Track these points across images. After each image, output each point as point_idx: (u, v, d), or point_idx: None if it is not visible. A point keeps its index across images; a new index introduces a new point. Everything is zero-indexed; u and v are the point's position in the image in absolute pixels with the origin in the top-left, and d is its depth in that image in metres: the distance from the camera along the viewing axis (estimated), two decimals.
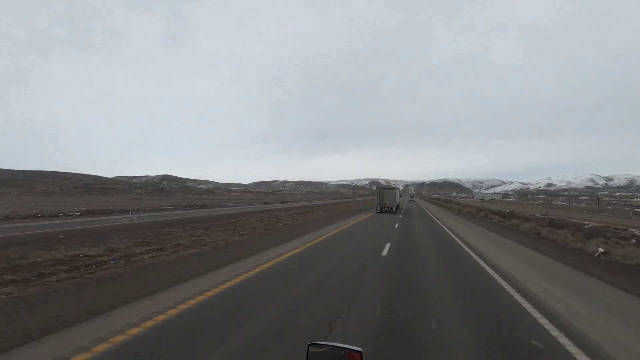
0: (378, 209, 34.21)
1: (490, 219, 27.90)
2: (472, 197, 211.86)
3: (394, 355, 3.84)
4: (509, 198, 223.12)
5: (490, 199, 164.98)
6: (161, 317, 4.82)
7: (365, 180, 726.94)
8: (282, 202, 68.19)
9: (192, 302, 5.55)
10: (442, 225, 22.45)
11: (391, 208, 33.70)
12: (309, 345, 1.52)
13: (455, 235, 16.93)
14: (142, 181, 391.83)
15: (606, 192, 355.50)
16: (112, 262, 8.68)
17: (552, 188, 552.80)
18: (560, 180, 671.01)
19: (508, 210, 39.95)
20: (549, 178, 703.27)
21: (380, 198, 34.39)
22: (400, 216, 29.74)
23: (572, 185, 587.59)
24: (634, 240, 17.73)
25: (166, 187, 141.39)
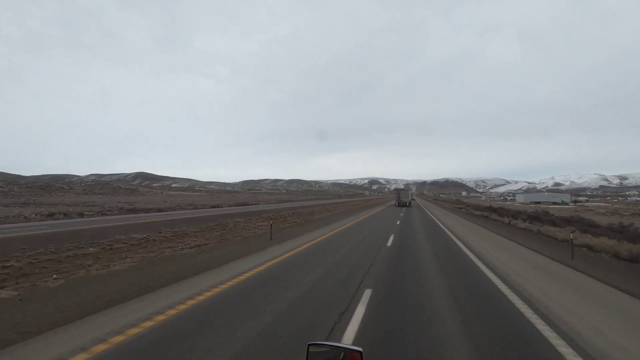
0: (396, 204, 50.06)
1: None
2: (508, 199, 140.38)
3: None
4: (588, 201, 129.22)
5: (557, 203, 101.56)
6: None
7: (365, 179, 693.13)
8: (216, 207, 39.77)
9: None
10: None
11: (406, 203, 48.43)
12: (309, 345, 1.46)
13: None
14: (113, 179, 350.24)
15: (636, 192, 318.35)
16: None
17: (562, 187, 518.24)
18: (564, 179, 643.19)
19: None
20: (552, 177, 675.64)
21: (397, 196, 51.67)
22: None
23: (583, 185, 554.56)
24: None
25: (53, 184, 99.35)
